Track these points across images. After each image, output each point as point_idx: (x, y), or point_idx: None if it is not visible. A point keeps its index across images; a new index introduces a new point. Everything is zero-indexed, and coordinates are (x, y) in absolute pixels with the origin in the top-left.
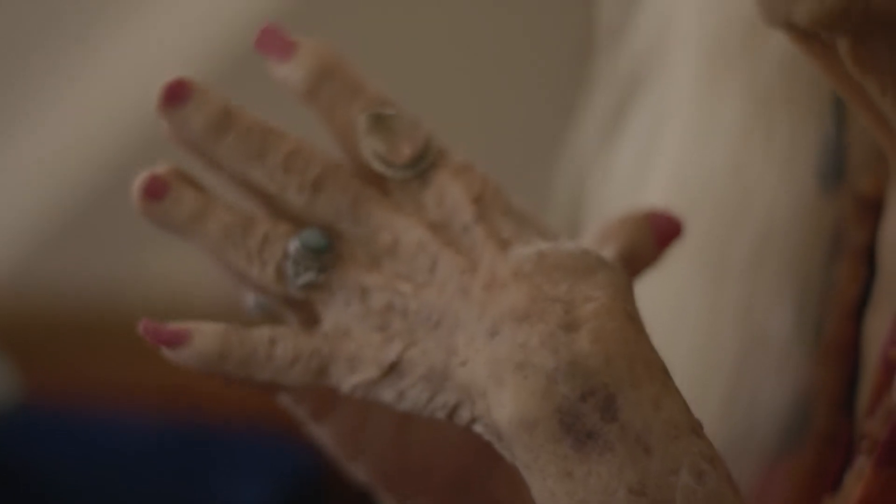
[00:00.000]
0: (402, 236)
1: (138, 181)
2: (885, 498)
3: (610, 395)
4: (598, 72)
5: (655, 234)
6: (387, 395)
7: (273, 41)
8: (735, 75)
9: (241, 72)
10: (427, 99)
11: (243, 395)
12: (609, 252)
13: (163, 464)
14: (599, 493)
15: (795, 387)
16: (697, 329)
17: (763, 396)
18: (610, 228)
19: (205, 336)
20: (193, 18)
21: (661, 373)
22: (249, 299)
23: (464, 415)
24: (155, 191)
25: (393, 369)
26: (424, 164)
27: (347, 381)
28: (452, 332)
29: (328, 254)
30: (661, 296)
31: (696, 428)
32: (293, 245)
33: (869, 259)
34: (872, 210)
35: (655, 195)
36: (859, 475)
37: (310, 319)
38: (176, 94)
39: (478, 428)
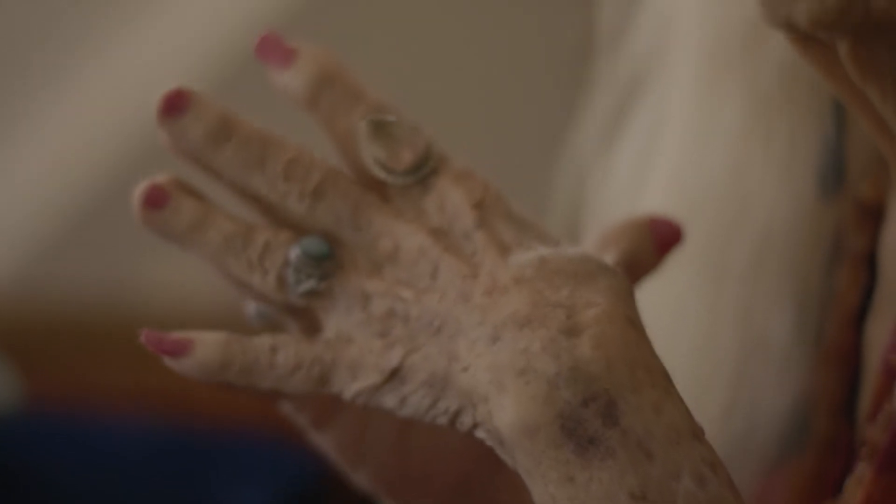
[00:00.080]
0: (403, 242)
1: (138, 191)
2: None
3: (611, 400)
4: (598, 74)
5: (656, 240)
6: (389, 401)
7: (273, 48)
8: (735, 78)
9: (241, 79)
10: (427, 102)
11: (244, 400)
12: (610, 258)
13: (164, 468)
14: (601, 498)
15: (795, 392)
16: (697, 333)
17: (763, 401)
18: (610, 234)
19: (206, 345)
20: (193, 26)
21: (662, 378)
22: (250, 307)
23: (465, 420)
24: (155, 200)
25: (394, 375)
26: (425, 170)
27: (349, 387)
28: (454, 337)
29: (329, 261)
30: (660, 300)
31: (697, 433)
32: (294, 253)
33: (869, 265)
34: (873, 216)
35: (655, 198)
36: (860, 481)
37: (311, 327)
38: (174, 105)
39: (479, 434)
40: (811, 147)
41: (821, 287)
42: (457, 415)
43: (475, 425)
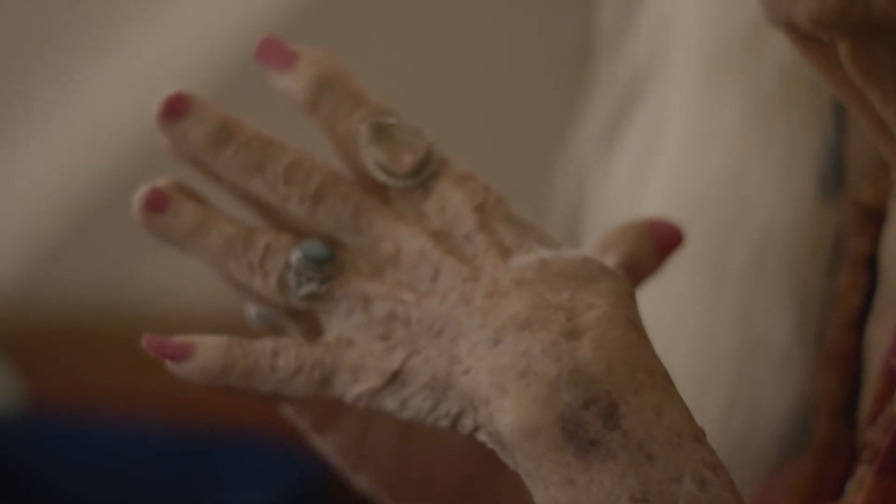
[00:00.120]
0: (404, 245)
1: (139, 194)
2: None
3: (612, 402)
4: (598, 74)
5: (656, 243)
6: (390, 403)
7: (273, 51)
8: (735, 79)
9: (242, 83)
10: (427, 104)
11: (246, 402)
12: (610, 260)
13: (165, 471)
14: (602, 500)
15: (795, 394)
16: (697, 334)
17: (763, 403)
18: (611, 237)
19: (208, 349)
20: (193, 29)
21: (663, 380)
22: (251, 310)
23: (466, 423)
24: (156, 204)
25: (396, 378)
26: (426, 172)
27: (351, 390)
28: (455, 340)
29: (330, 264)
30: (660, 301)
31: (698, 435)
32: (295, 256)
33: (870, 268)
34: (873, 219)
35: (655, 199)
36: (860, 484)
37: (312, 330)
38: (175, 108)
39: (481, 436)
40: (811, 148)
41: (821, 289)
42: (458, 417)
43: (476, 428)
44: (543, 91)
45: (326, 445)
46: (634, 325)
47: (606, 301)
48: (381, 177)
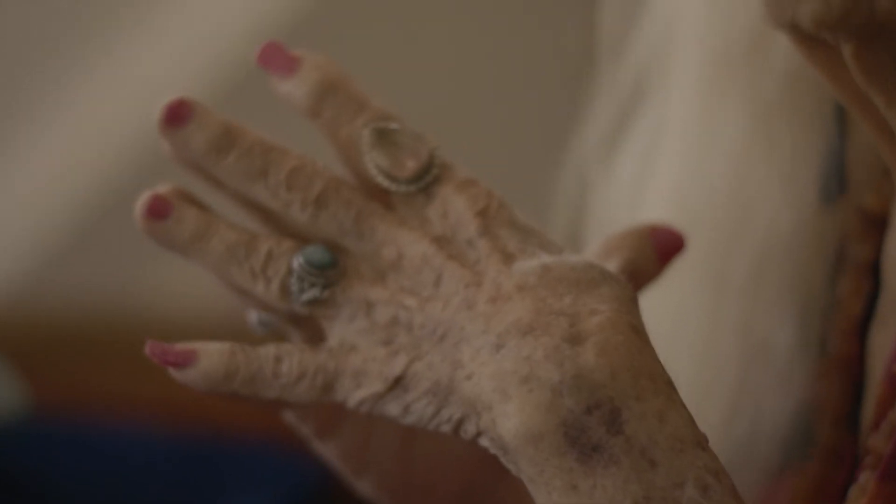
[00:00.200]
0: (407, 250)
1: (140, 201)
2: None
3: (615, 408)
4: (600, 80)
5: (658, 249)
6: (392, 409)
7: (275, 57)
8: (737, 86)
9: (244, 89)
10: (430, 109)
11: (249, 408)
12: (612, 266)
13: (168, 476)
14: None
15: (798, 401)
16: (699, 340)
17: (765, 410)
18: (612, 242)
19: (211, 356)
20: (196, 35)
21: (666, 386)
22: (253, 316)
23: (469, 428)
24: (158, 210)
25: (398, 383)
26: (428, 178)
27: (353, 396)
28: (457, 345)
29: (332, 269)
30: (662, 308)
31: (700, 441)
32: (297, 261)
33: (873, 274)
34: (877, 226)
35: (657, 205)
36: (863, 490)
37: (314, 336)
38: (177, 115)
39: (483, 442)
40: (814, 154)
41: (823, 295)
42: (460, 423)
43: (479, 433)
44: (546, 95)
45: (329, 451)
46: (637, 330)
47: (609, 306)
48: (383, 182)
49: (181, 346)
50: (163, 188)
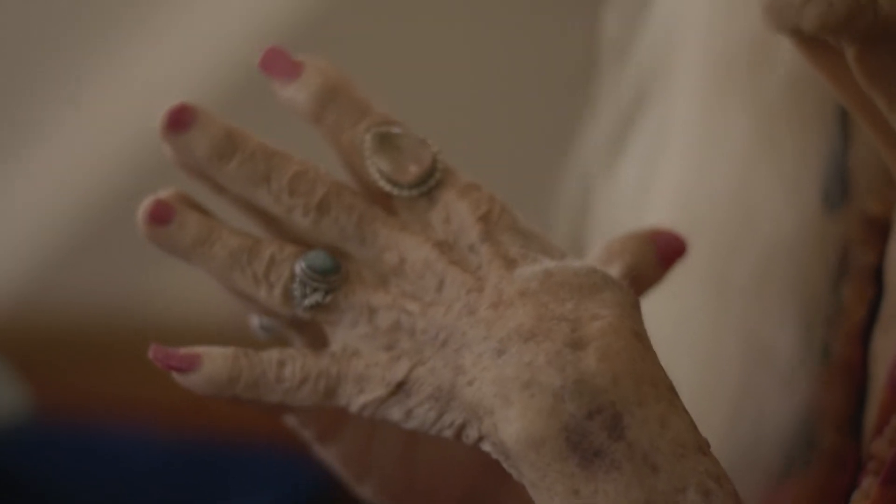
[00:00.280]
0: (409, 255)
1: (143, 207)
2: None
3: (617, 413)
4: (603, 86)
5: (660, 253)
6: (395, 414)
7: (277, 62)
8: (740, 91)
9: (247, 94)
10: (432, 115)
11: (251, 412)
12: (614, 271)
13: (171, 480)
14: None
15: (801, 405)
16: (701, 345)
17: (768, 416)
18: (614, 246)
19: (214, 360)
20: (199, 41)
21: (667, 391)
22: (255, 321)
23: (471, 434)
24: (160, 216)
25: (400, 388)
26: (431, 182)
27: (356, 400)
28: (459, 350)
29: (335, 275)
30: (665, 314)
31: (702, 446)
32: (299, 267)
33: (876, 280)
34: (879, 231)
35: (660, 210)
36: (866, 495)
37: (316, 340)
38: (179, 120)
39: (485, 447)
40: (816, 159)
41: (827, 300)
42: (462, 428)
43: (481, 438)
44: (549, 99)
45: (331, 455)
46: (639, 335)
47: (611, 312)
48: (385, 187)
49: (184, 351)
50: (165, 193)
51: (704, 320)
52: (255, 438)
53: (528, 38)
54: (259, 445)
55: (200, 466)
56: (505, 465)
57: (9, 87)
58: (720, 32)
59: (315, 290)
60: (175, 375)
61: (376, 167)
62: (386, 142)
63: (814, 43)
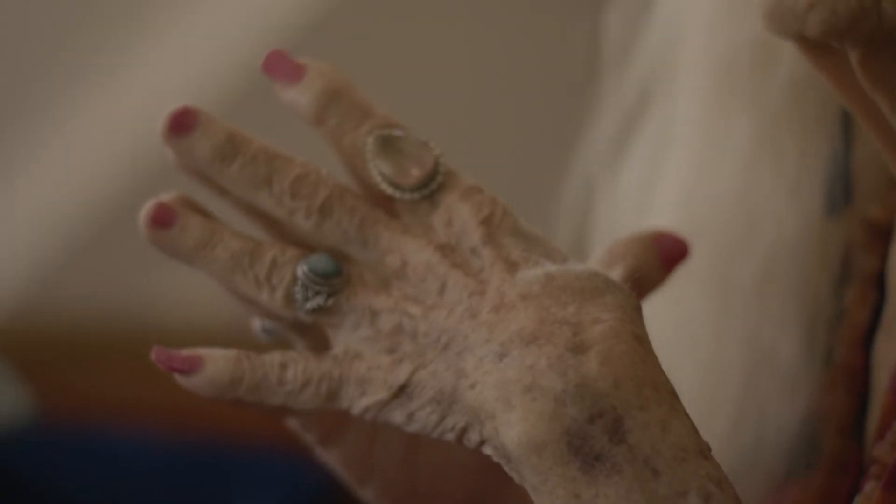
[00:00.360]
0: (411, 258)
1: (145, 210)
2: None
3: (618, 417)
4: (605, 88)
5: (662, 256)
6: (397, 417)
7: (280, 64)
8: (743, 94)
9: (250, 97)
10: (434, 118)
11: (254, 414)
12: (615, 274)
13: (174, 482)
14: None
15: (803, 410)
16: (704, 349)
17: (770, 419)
18: (616, 249)
19: (216, 363)
20: (201, 45)
21: (669, 395)
22: (256, 324)
23: (473, 437)
24: (162, 219)
25: (402, 391)
26: (433, 185)
27: (358, 403)
28: (461, 354)
29: (337, 278)
30: (668, 318)
31: (703, 450)
32: (301, 270)
33: (878, 285)
34: (882, 236)
35: (662, 214)
36: (868, 499)
37: (318, 343)
38: (181, 123)
39: (487, 450)
40: (819, 163)
41: (829, 305)
42: (464, 431)
43: (482, 442)
44: (551, 102)
45: (332, 458)
46: (641, 339)
47: (612, 316)
48: (387, 189)
49: (187, 353)
50: (167, 196)
51: (706, 323)
52: (257, 441)
53: (530, 40)
54: (261, 448)
55: (202, 469)
56: (506, 469)
57: (11, 92)
58: (722, 34)
59: (317, 293)
60: (177, 377)
61: (378, 170)
62: (388, 144)
63: (817, 46)
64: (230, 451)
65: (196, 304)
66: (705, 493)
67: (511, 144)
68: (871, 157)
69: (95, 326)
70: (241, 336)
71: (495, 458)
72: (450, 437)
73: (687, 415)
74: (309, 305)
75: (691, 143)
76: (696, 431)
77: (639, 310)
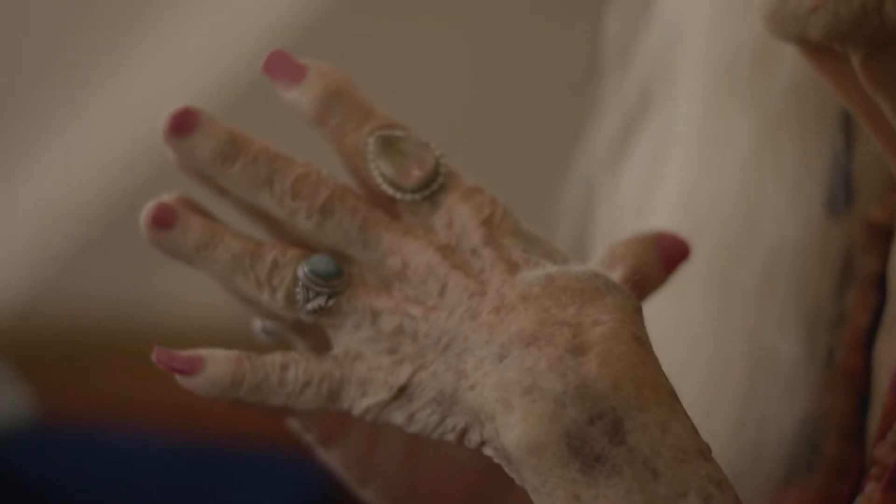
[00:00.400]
0: (412, 259)
1: (146, 211)
2: None
3: (618, 418)
4: (606, 89)
5: (663, 256)
6: (397, 417)
7: (281, 65)
8: (744, 96)
9: (250, 97)
10: (435, 119)
11: (254, 415)
12: (617, 274)
13: (174, 482)
14: None
15: (805, 411)
16: (705, 351)
17: (772, 421)
18: (617, 250)
19: (218, 363)
20: (203, 44)
21: (668, 396)
22: (257, 324)
23: (473, 438)
24: (163, 220)
25: (403, 392)
26: (434, 186)
27: (359, 404)
28: (461, 355)
29: (338, 279)
30: (669, 319)
31: (703, 451)
32: (302, 271)
33: (879, 287)
34: (882, 238)
35: (663, 215)
36: (869, 501)
37: (319, 344)
38: (182, 123)
39: (487, 451)
40: (820, 165)
41: (830, 306)
42: (464, 432)
43: (483, 443)
44: (552, 103)
45: (333, 459)
46: (641, 341)
47: (612, 317)
48: (388, 190)
49: (188, 353)
50: (168, 197)
51: (707, 323)
52: (258, 442)
53: (530, 41)
54: (261, 449)
55: (203, 469)
56: (507, 470)
57: (11, 89)
58: (722, 34)
59: (318, 294)
60: (178, 378)
61: (379, 171)
62: (389, 145)
63: (818, 49)
64: (231, 451)
65: (197, 304)
66: (705, 494)
67: (511, 145)
68: (872, 157)
69: (96, 327)
70: (241, 337)
71: (496, 459)
72: (450, 437)
73: (687, 416)
74: (310, 306)
75: (692, 144)
76: (696, 432)
77: (639, 311)
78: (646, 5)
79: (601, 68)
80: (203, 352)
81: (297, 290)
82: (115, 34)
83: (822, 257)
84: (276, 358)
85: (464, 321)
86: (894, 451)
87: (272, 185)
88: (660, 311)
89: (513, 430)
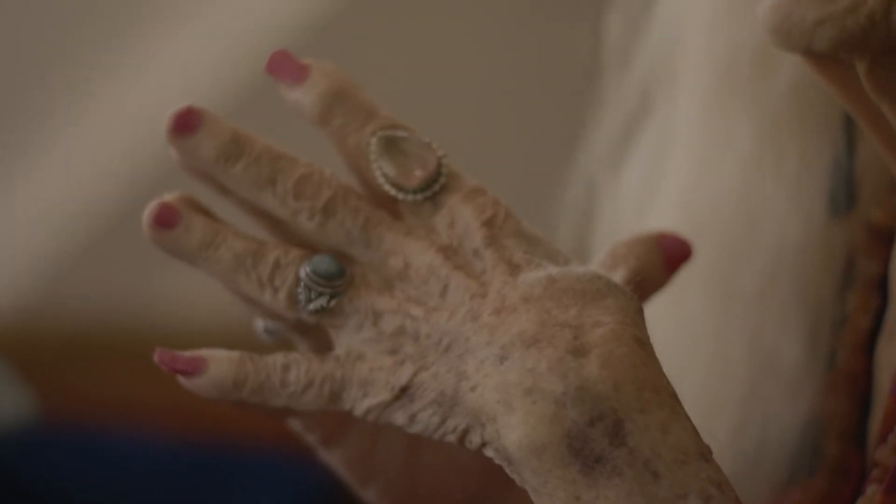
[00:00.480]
0: (414, 260)
1: (148, 210)
2: None
3: (618, 420)
4: (607, 90)
5: (664, 257)
6: (398, 418)
7: (284, 65)
8: (744, 97)
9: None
10: (436, 119)
11: (256, 415)
12: (618, 276)
13: (176, 483)
14: None
15: (806, 413)
16: (707, 352)
17: (773, 423)
18: (619, 251)
19: (220, 364)
20: (206, 45)
21: (669, 398)
22: (259, 324)
23: (474, 439)
24: (165, 219)
25: (404, 393)
26: (436, 187)
27: (360, 404)
28: (462, 356)
29: (340, 279)
30: (670, 321)
31: (704, 453)
32: (304, 271)
33: (881, 289)
34: (884, 240)
35: (664, 216)
36: (870, 503)
37: (321, 344)
38: (185, 123)
39: (488, 452)
40: (822, 166)
41: (832, 308)
42: (465, 433)
43: (483, 444)
44: (552, 104)
45: (335, 459)
46: (642, 342)
47: (614, 319)
48: (390, 191)
49: (190, 354)
50: (170, 196)
51: (709, 325)
52: (259, 442)
53: (531, 42)
54: (263, 449)
55: (204, 470)
56: (508, 471)
57: (12, 90)
58: (722, 34)
59: (320, 294)
60: (180, 379)
61: (381, 171)
62: (391, 145)
63: (824, 58)
64: (232, 452)
65: (199, 304)
66: (706, 495)
67: (512, 145)
68: (874, 160)
69: (97, 327)
70: (243, 337)
71: (496, 461)
72: (451, 438)
73: (688, 417)
74: (312, 306)
75: (692, 144)
76: (696, 434)
77: (640, 312)
78: (646, 5)
79: (602, 69)
80: (205, 352)
81: (300, 290)
82: (116, 35)
83: (823, 258)
84: (278, 359)
85: (465, 322)
86: (895, 453)
87: (275, 184)
88: (660, 312)
89: (513, 432)
